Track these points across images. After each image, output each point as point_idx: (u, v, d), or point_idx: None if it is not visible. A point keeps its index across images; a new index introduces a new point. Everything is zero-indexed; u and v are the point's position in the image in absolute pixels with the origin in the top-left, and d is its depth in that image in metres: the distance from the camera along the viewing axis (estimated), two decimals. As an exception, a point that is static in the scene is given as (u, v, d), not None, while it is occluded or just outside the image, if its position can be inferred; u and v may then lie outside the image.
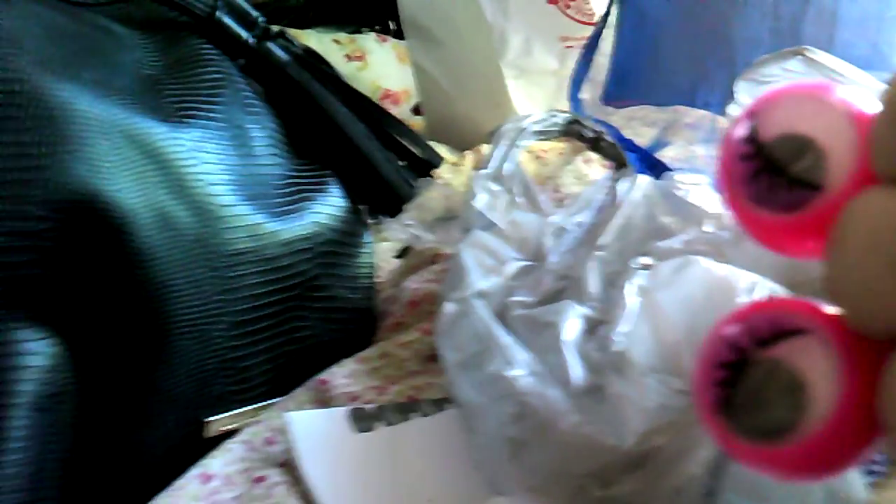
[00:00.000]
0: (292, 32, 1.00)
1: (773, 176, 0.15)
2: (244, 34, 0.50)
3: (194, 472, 0.35)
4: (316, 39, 1.00)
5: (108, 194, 0.37)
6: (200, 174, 0.41)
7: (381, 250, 0.62)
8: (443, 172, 0.74)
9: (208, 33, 0.49)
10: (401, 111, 1.01)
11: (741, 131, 0.15)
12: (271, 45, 0.51)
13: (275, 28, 0.52)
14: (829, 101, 0.15)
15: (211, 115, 0.45)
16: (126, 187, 0.38)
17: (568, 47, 0.82)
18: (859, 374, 0.13)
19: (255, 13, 0.51)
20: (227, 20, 0.50)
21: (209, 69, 0.47)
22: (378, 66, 1.01)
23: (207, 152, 0.42)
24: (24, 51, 0.37)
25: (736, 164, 0.15)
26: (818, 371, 0.13)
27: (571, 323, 0.39)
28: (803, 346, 0.14)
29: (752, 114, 0.15)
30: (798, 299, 0.14)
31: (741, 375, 0.14)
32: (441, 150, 0.81)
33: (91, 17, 0.47)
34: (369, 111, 0.52)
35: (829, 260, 0.13)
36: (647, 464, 0.29)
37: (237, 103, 0.47)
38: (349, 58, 1.00)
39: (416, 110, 0.97)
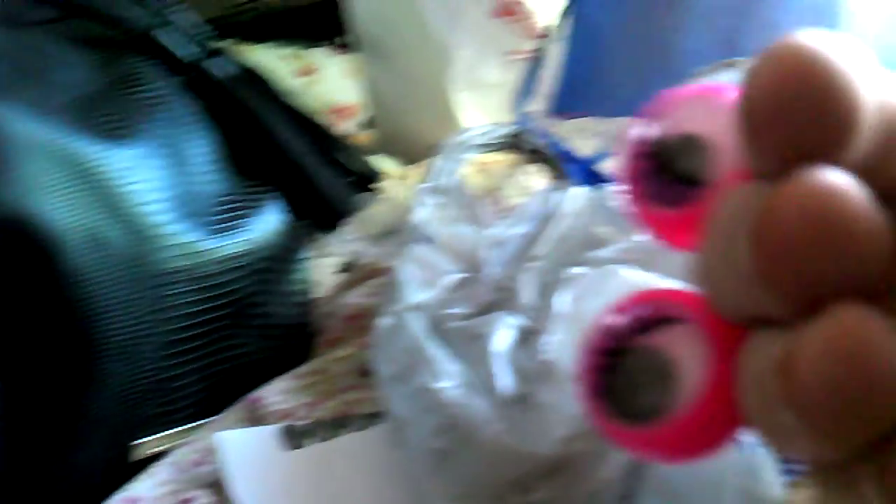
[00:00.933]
0: (242, 48, 1.00)
1: (666, 173, 0.16)
2: (183, 52, 0.50)
3: (119, 496, 0.35)
4: (265, 55, 1.00)
5: (38, 216, 0.37)
6: (133, 193, 0.41)
7: (325, 265, 0.62)
8: (390, 186, 0.74)
9: (147, 51, 0.49)
10: (351, 125, 1.02)
11: (640, 131, 0.16)
12: (211, 63, 0.51)
13: (215, 45, 0.52)
14: (718, 101, 0.16)
15: (147, 133, 0.45)
16: (57, 208, 0.37)
17: (515, 60, 0.83)
18: (725, 359, 0.14)
19: (194, 30, 0.51)
20: (166, 38, 0.50)
21: (147, 87, 0.47)
22: (329, 81, 1.01)
23: (142, 171, 0.42)
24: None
25: (634, 162, 0.16)
26: (687, 356, 0.14)
27: (503, 333, 0.39)
28: (675, 333, 0.15)
29: (651, 115, 0.16)
30: (674, 289, 0.15)
31: (619, 362, 0.15)
32: (391, 163, 0.82)
33: (28, 36, 0.47)
34: (310, 126, 0.52)
35: (697, 249, 0.14)
36: (564, 470, 0.30)
37: (175, 121, 0.47)
38: (299, 72, 1.00)
39: (368, 124, 0.97)
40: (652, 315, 0.15)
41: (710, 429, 0.14)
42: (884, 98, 0.12)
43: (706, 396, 0.14)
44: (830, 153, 0.12)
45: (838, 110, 0.11)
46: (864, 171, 0.12)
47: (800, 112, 0.11)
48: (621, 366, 0.15)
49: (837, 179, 0.11)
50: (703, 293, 0.14)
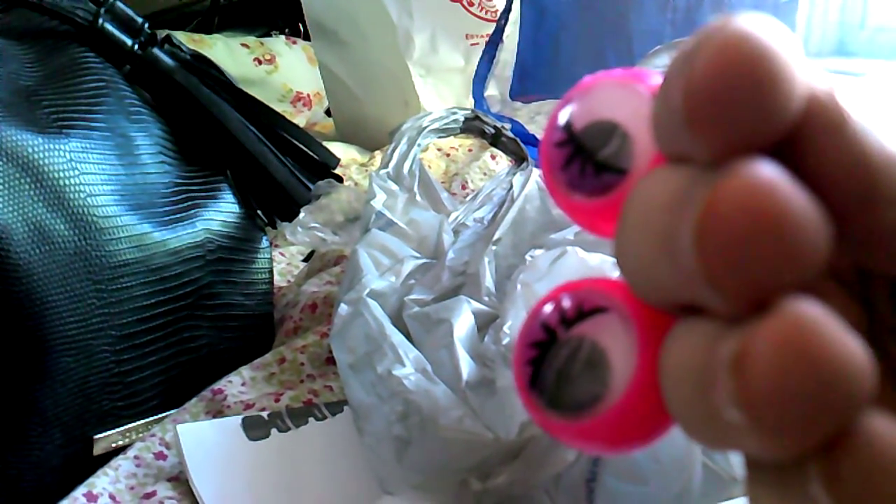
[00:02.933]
0: (199, 38, 0.98)
1: (584, 162, 0.15)
2: (128, 41, 0.49)
3: (79, 491, 0.34)
4: (224, 44, 0.98)
5: (-20, 211, 0.36)
6: (80, 185, 0.40)
7: (290, 254, 0.62)
8: (352, 173, 0.74)
9: (90, 41, 0.48)
10: (313, 113, 1.01)
11: (557, 119, 0.16)
12: (157, 52, 0.50)
13: (161, 34, 0.51)
14: (635, 87, 0.15)
15: (92, 124, 0.43)
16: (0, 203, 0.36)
17: (473, 45, 0.83)
18: (654, 346, 0.13)
19: (139, 20, 0.50)
20: (110, 27, 0.48)
21: (90, 78, 0.46)
22: (288, 69, 1.00)
23: (88, 163, 0.41)
24: None
25: (552, 150, 0.16)
26: (617, 345, 0.14)
27: (463, 319, 0.39)
28: (604, 322, 0.14)
29: (567, 102, 0.16)
30: (603, 278, 0.15)
31: (550, 354, 0.15)
32: (351, 150, 0.81)
33: (-34, 29, 0.45)
34: (263, 115, 0.51)
35: (615, 236, 0.14)
36: (525, 454, 0.29)
37: (121, 111, 0.46)
38: (259, 61, 0.99)
39: (329, 112, 0.96)
40: (580, 306, 0.15)
41: (644, 418, 0.14)
42: (811, 84, 0.12)
43: (636, 385, 0.13)
44: (768, 141, 0.11)
45: (778, 98, 0.11)
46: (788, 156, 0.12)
47: (742, 99, 0.11)
48: (552, 357, 0.14)
49: (777, 174, 0.11)
50: (625, 280, 0.14)
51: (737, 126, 0.11)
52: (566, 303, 0.15)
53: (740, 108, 0.11)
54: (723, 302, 0.11)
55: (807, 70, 0.12)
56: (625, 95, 0.15)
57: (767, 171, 0.11)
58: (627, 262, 0.13)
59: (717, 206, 0.11)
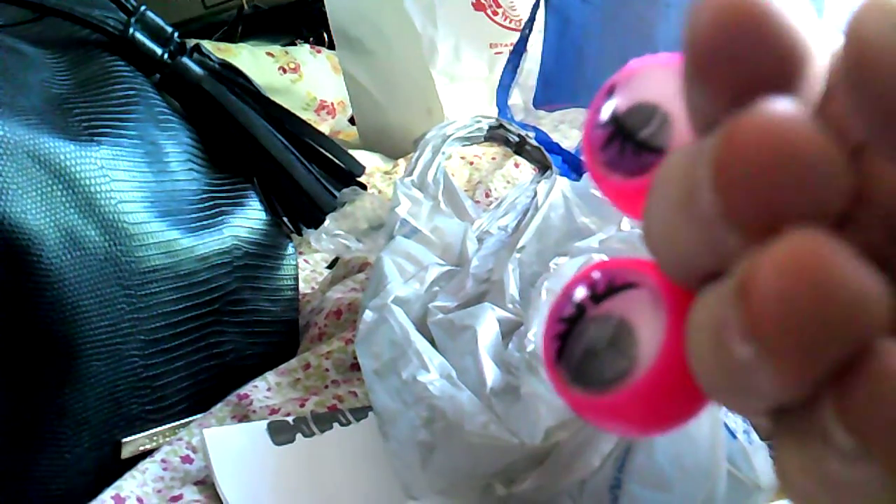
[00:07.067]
0: (224, 47, 1.00)
1: (623, 142, 0.16)
2: (158, 50, 0.49)
3: (108, 493, 0.35)
4: (249, 53, 0.99)
5: (12, 216, 0.36)
6: (111, 192, 0.41)
7: (314, 261, 0.62)
8: (375, 181, 0.74)
9: (121, 50, 0.49)
10: (337, 122, 1.01)
11: (600, 102, 0.16)
12: (186, 61, 0.50)
13: (190, 42, 0.52)
14: (676, 69, 0.16)
15: (122, 132, 0.44)
16: (32, 208, 0.37)
17: (497, 53, 0.83)
18: (681, 323, 0.13)
19: (169, 29, 0.50)
20: (141, 36, 0.49)
21: (121, 86, 0.47)
22: (313, 78, 1.01)
23: (118, 170, 0.42)
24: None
25: (593, 131, 0.16)
26: (644, 321, 0.14)
27: (488, 325, 0.39)
28: (633, 298, 0.14)
29: (612, 86, 0.16)
30: (633, 258, 0.15)
31: (579, 330, 0.15)
32: (374, 158, 0.82)
33: (-1, 38, 0.46)
34: (289, 123, 0.52)
35: (643, 212, 0.14)
36: (550, 460, 0.29)
37: (151, 119, 0.47)
38: (284, 70, 0.99)
39: (353, 120, 0.97)
40: (611, 282, 0.15)
41: (669, 396, 0.14)
42: (830, 46, 0.12)
43: (662, 361, 0.13)
44: (779, 87, 0.11)
45: (781, 44, 0.11)
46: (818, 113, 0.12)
47: (742, 47, 0.11)
48: (580, 332, 0.15)
49: (792, 107, 0.11)
50: (651, 254, 0.14)
51: (741, 72, 0.11)
52: (597, 278, 0.15)
53: (742, 55, 0.11)
54: (741, 237, 0.11)
55: (822, 31, 0.12)
56: (667, 77, 0.15)
57: (781, 105, 0.11)
58: (652, 235, 0.13)
59: (733, 138, 0.11)
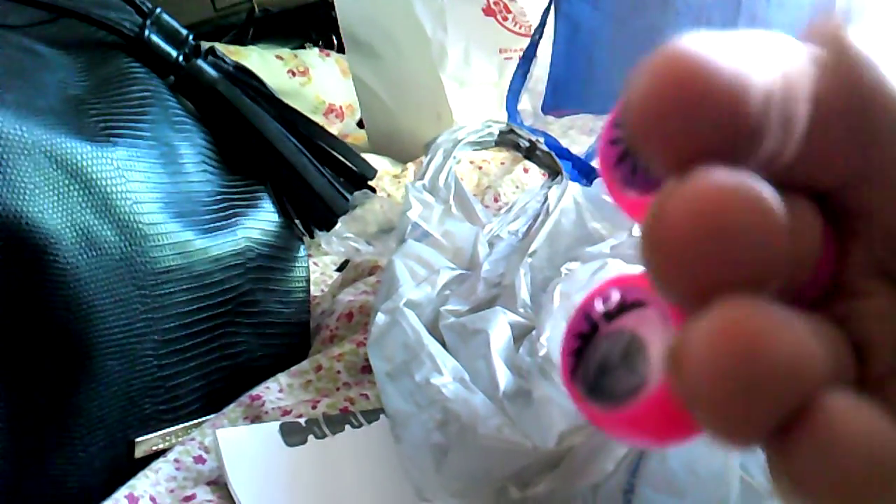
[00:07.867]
0: (234, 49, 1.00)
1: (636, 160, 0.16)
2: (173, 52, 0.50)
3: (121, 493, 0.35)
4: (258, 56, 1.00)
5: (30, 216, 0.36)
6: (126, 193, 0.41)
7: (324, 264, 0.62)
8: (385, 185, 0.74)
9: (136, 52, 0.49)
10: (345, 125, 1.02)
11: (615, 118, 0.16)
12: (201, 63, 0.51)
13: (205, 45, 0.52)
14: None
15: (138, 133, 0.44)
16: (49, 208, 0.37)
17: (507, 59, 0.83)
18: None
19: (184, 31, 0.51)
20: (156, 39, 0.49)
21: (136, 87, 0.47)
22: (321, 81, 1.01)
23: (134, 170, 0.42)
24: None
25: (606, 147, 0.16)
26: (655, 338, 0.14)
27: (500, 329, 0.39)
28: (644, 316, 0.15)
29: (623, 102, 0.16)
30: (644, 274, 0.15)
31: (594, 345, 0.15)
32: (383, 162, 0.82)
33: (15, 38, 0.47)
34: (302, 125, 0.52)
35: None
36: (564, 463, 0.30)
37: (166, 121, 0.47)
38: (293, 73, 1.00)
39: (361, 124, 0.97)
40: (622, 299, 0.15)
41: (681, 411, 0.14)
42: (784, 84, 0.12)
43: None
44: (722, 153, 0.11)
45: (721, 111, 0.11)
46: (776, 164, 0.11)
47: (677, 117, 0.11)
48: (594, 348, 0.15)
49: (728, 178, 0.11)
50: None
51: (675, 141, 0.11)
52: (610, 296, 0.15)
53: (677, 124, 0.11)
54: (671, 300, 0.12)
55: (767, 68, 0.11)
56: None
57: (716, 175, 0.11)
58: (646, 258, 0.14)
59: (661, 207, 0.11)
